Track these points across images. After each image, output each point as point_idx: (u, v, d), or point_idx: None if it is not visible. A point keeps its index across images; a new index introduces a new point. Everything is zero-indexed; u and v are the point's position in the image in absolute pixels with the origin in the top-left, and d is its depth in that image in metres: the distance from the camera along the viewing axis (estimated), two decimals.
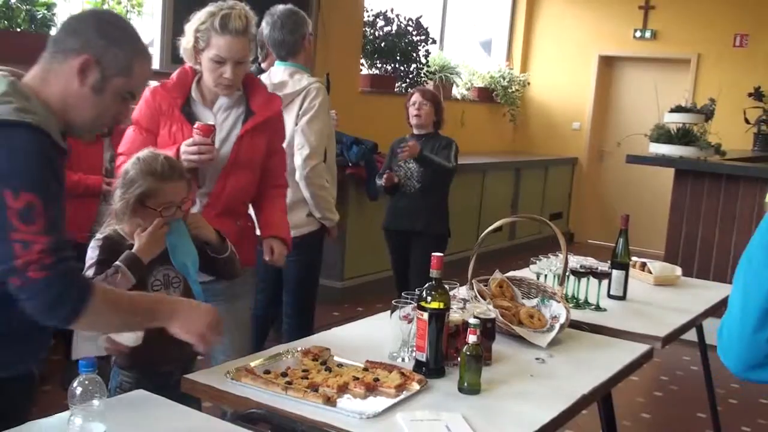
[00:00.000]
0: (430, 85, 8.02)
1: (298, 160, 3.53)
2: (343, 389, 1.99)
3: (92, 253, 2.24)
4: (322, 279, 5.84)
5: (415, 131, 4.66)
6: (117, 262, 2.18)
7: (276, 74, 3.64)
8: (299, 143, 3.53)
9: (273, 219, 2.88)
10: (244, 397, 1.95)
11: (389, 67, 7.67)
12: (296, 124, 3.52)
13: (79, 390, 1.48)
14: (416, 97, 4.64)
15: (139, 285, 2.27)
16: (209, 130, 2.55)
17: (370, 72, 7.59)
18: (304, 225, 3.66)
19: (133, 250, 2.21)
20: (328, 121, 3.66)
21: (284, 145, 2.96)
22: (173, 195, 2.25)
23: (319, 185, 3.60)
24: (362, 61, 7.46)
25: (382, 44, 7.51)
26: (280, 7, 3.72)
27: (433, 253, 2.21)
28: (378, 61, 7.59)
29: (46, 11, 4.65)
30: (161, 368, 2.27)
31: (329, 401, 1.91)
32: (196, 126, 2.54)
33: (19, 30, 4.56)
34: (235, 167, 2.69)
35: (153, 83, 2.67)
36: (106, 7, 5.03)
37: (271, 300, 3.89)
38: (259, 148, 2.74)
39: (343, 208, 5.92)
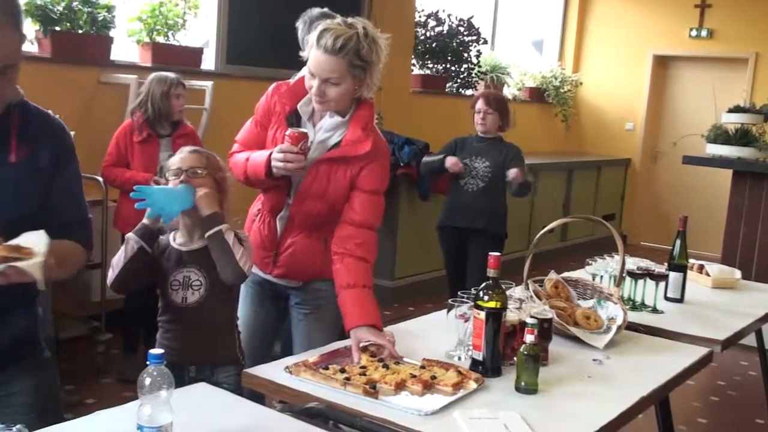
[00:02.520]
0: (481, 86, 8.01)
1: None
2: (400, 386, 2.01)
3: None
4: (373, 278, 5.91)
5: (480, 134, 4.67)
6: (128, 234, 2.35)
7: (301, 73, 3.69)
8: None
9: (354, 299, 2.48)
10: (303, 391, 1.99)
11: (440, 68, 7.67)
12: None
13: (147, 381, 1.51)
14: (480, 105, 4.62)
15: (159, 284, 2.39)
16: (299, 139, 2.39)
17: (422, 72, 7.60)
18: None
19: (145, 220, 2.34)
20: None
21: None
22: (179, 163, 2.38)
23: None
24: (413, 61, 7.47)
25: (434, 44, 7.52)
26: (316, 9, 3.79)
27: (490, 253, 2.21)
28: (429, 62, 7.60)
29: (106, 13, 4.78)
30: (176, 363, 2.33)
31: (370, 394, 1.94)
32: (287, 133, 2.43)
33: (81, 32, 4.69)
34: (308, 193, 2.53)
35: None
36: (164, 9, 5.13)
37: None
38: (336, 182, 2.51)
39: (393, 207, 5.98)
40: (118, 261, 2.35)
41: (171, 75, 4.15)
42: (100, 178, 4.15)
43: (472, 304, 2.24)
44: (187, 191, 2.32)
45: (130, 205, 4.05)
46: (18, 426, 1.27)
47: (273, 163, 2.41)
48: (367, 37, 2.38)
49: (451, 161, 4.56)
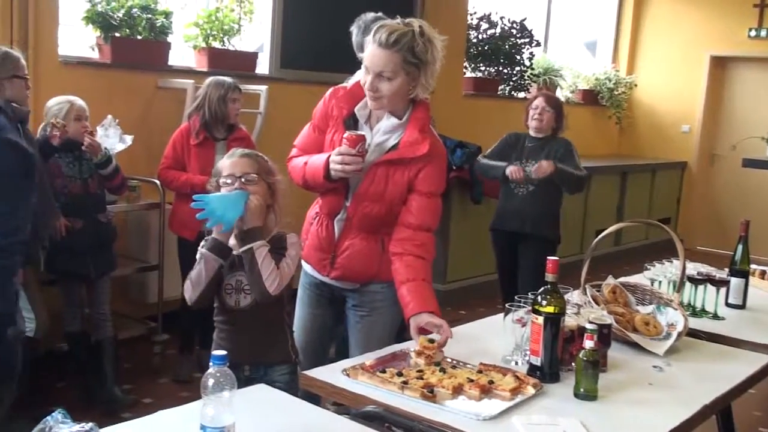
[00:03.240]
0: (533, 88, 7.95)
1: None
2: (457, 390, 2.00)
3: (198, 253, 2.43)
4: None
5: (533, 133, 4.61)
6: (200, 249, 2.37)
7: (355, 77, 3.75)
8: None
9: (413, 290, 2.49)
10: (361, 394, 1.99)
11: (492, 70, 7.63)
12: None
13: (211, 381, 1.54)
14: (539, 102, 4.58)
15: (216, 287, 2.41)
16: (356, 141, 2.41)
17: (474, 75, 7.57)
18: None
19: (214, 232, 2.35)
20: None
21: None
22: (231, 168, 2.39)
23: None
24: (465, 64, 7.44)
25: (486, 47, 7.48)
26: (370, 13, 3.80)
27: (548, 257, 2.19)
28: (481, 65, 7.57)
29: (164, 19, 4.86)
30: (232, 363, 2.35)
31: (427, 398, 1.94)
32: (345, 135, 2.45)
33: (140, 38, 4.78)
34: (366, 195, 2.55)
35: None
36: (220, 14, 5.20)
37: None
38: (394, 184, 2.52)
39: (445, 211, 5.95)
40: (198, 279, 2.36)
41: (228, 79, 4.20)
42: (158, 181, 4.23)
43: (530, 308, 2.23)
44: (240, 198, 2.33)
45: (185, 208, 4.15)
46: (91, 424, 1.30)
47: (331, 165, 2.44)
48: (423, 35, 2.39)
49: (511, 169, 4.48)
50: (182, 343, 4.37)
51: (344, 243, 2.62)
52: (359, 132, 2.48)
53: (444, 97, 6.72)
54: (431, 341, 2.25)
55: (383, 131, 2.54)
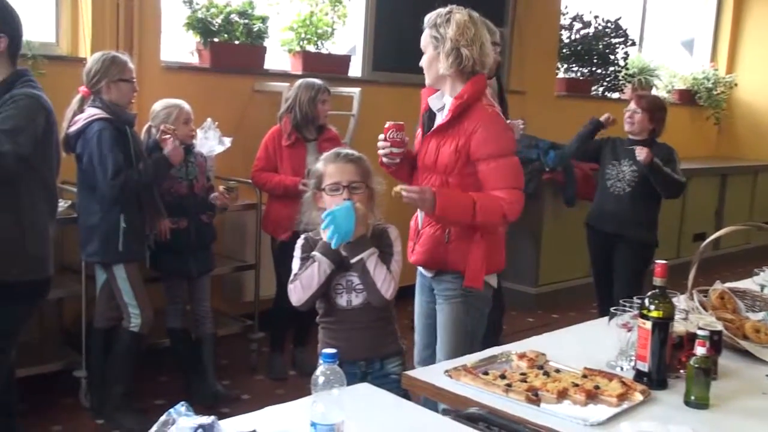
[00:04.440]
0: (628, 89, 7.77)
1: None
2: (562, 395, 1.97)
3: (296, 252, 2.52)
4: (516, 284, 5.85)
5: (630, 136, 4.50)
6: (313, 252, 2.42)
7: None
8: None
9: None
10: (464, 396, 1.99)
11: (586, 71, 7.49)
12: None
13: (321, 379, 1.56)
14: (632, 105, 4.47)
15: (324, 288, 2.44)
16: (388, 129, 2.68)
17: (566, 76, 7.45)
18: None
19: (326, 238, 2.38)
20: None
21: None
22: (338, 175, 2.42)
23: None
24: (558, 64, 7.33)
25: (579, 47, 7.35)
26: None
27: (657, 261, 2.14)
28: (574, 65, 7.44)
29: (261, 24, 4.96)
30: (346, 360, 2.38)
31: (532, 401, 1.92)
32: (387, 125, 2.70)
33: (237, 42, 4.89)
34: (423, 167, 2.76)
35: None
36: (314, 19, 5.28)
37: None
38: (444, 152, 2.68)
39: (538, 213, 5.89)
40: (309, 282, 2.40)
41: (318, 81, 4.25)
42: None
43: (636, 313, 2.17)
44: (350, 210, 2.36)
45: (279, 209, 4.24)
46: (213, 417, 1.33)
47: (379, 152, 2.72)
48: (446, 15, 2.69)
49: (603, 117, 4.51)
50: (274, 342, 4.45)
51: (423, 230, 2.78)
52: (398, 122, 2.72)
53: (536, 98, 6.67)
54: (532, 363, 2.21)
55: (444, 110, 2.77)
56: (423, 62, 2.76)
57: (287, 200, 4.17)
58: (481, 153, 2.65)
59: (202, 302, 3.98)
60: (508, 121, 4.07)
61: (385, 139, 2.68)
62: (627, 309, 2.26)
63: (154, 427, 1.32)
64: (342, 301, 2.45)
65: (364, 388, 2.03)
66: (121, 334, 3.61)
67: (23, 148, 2.45)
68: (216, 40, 4.81)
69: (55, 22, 4.32)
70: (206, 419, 1.27)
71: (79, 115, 3.45)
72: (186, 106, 3.84)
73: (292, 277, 2.46)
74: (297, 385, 4.23)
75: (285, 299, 4.26)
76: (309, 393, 3.95)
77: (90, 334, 3.75)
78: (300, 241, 2.52)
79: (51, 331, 4.20)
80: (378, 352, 2.47)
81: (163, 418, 1.33)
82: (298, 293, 2.43)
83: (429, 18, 2.73)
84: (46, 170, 2.62)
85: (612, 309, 2.27)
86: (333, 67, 5.36)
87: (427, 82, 2.79)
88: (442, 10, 2.72)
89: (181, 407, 1.34)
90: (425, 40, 2.75)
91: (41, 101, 2.54)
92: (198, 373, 3.94)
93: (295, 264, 2.49)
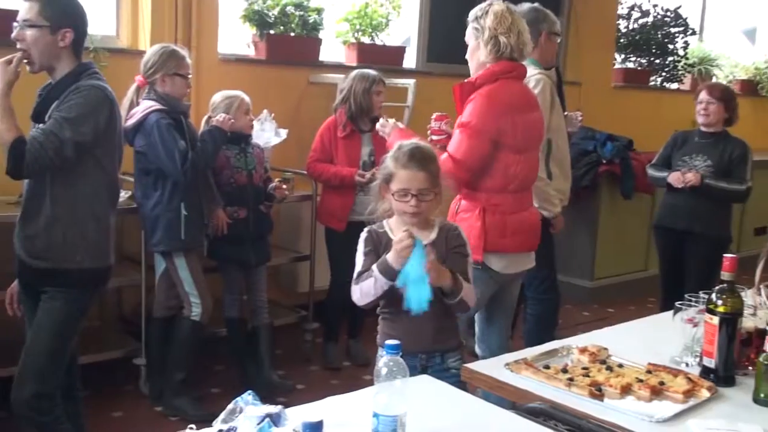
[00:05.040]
0: (687, 80, 7.60)
1: None
2: (626, 390, 1.94)
3: (360, 246, 2.46)
4: (571, 278, 5.78)
5: (703, 129, 4.37)
6: (374, 266, 2.33)
7: None
8: None
9: None
10: (525, 389, 1.97)
11: (644, 61, 7.35)
12: None
13: (384, 370, 1.55)
14: (703, 96, 4.32)
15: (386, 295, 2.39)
16: (437, 119, 3.07)
17: (624, 66, 7.32)
18: None
19: (388, 258, 2.28)
20: (546, 111, 3.60)
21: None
22: (408, 182, 2.33)
23: None
24: (615, 55, 7.21)
25: (637, 37, 7.21)
26: (526, 4, 3.79)
27: (724, 255, 2.08)
28: (632, 55, 7.30)
29: (316, 16, 4.97)
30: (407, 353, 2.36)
31: (595, 396, 1.89)
32: (433, 115, 3.00)
33: (293, 34, 4.91)
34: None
35: None
36: (369, 10, 5.27)
37: None
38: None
39: (594, 205, 5.80)
40: (368, 291, 2.35)
41: (372, 72, 4.25)
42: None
43: (701, 308, 2.12)
44: (425, 278, 2.21)
45: (334, 200, 4.25)
46: (280, 407, 1.34)
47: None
48: (488, 7, 2.90)
49: (673, 178, 4.28)
50: (328, 332, 4.47)
51: None
52: (442, 113, 3.10)
53: (593, 88, 6.56)
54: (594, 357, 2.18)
55: None
56: (467, 54, 2.98)
57: (342, 191, 4.18)
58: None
59: (259, 292, 4.01)
60: (565, 113, 4.04)
61: (429, 127, 3.00)
62: (692, 304, 2.21)
63: (222, 415, 1.32)
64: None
65: (425, 380, 2.03)
66: (181, 323, 3.66)
67: (83, 137, 2.49)
68: (272, 32, 4.83)
69: (116, 16, 4.39)
70: (273, 408, 1.28)
71: (135, 108, 3.51)
72: (245, 97, 3.87)
73: (355, 275, 2.42)
74: (351, 375, 4.25)
75: (339, 290, 4.35)
76: (363, 383, 3.99)
77: (149, 323, 3.82)
78: (363, 234, 2.47)
79: (110, 319, 4.29)
80: (439, 346, 2.42)
81: (230, 406, 1.34)
82: (357, 296, 2.41)
83: (471, 13, 2.94)
84: (108, 161, 2.66)
85: (677, 303, 2.22)
86: (388, 59, 5.35)
87: (471, 72, 2.99)
88: (482, 5, 2.93)
89: (248, 396, 1.35)
90: (468, 33, 2.97)
91: (106, 92, 2.59)
92: (254, 363, 3.98)
93: (359, 259, 2.44)
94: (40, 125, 2.53)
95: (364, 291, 2.37)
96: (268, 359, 4.00)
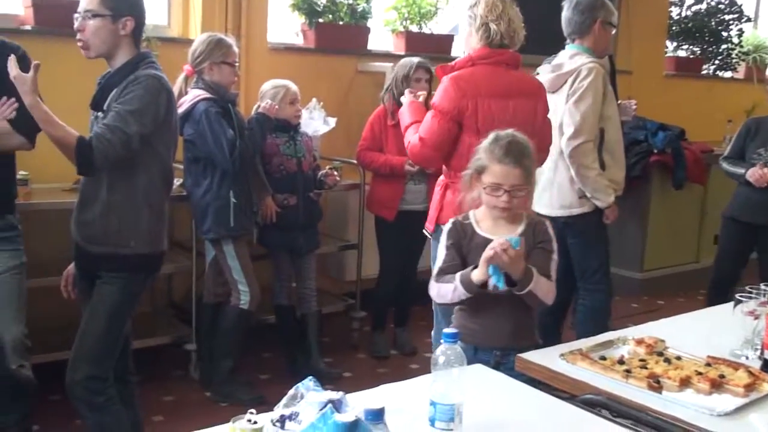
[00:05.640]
0: (741, 68, 7.43)
1: (563, 140, 3.53)
2: (685, 383, 1.90)
3: (443, 239, 2.42)
4: (620, 269, 5.69)
5: None
6: (456, 276, 2.29)
7: (560, 56, 3.72)
8: (566, 123, 3.54)
9: None
10: (581, 380, 1.94)
11: (696, 49, 7.19)
12: (566, 103, 3.54)
13: (441, 359, 1.54)
14: None
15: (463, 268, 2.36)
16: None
17: (676, 54, 7.18)
18: (576, 206, 3.60)
19: (473, 275, 2.24)
20: (598, 100, 3.54)
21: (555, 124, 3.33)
22: (501, 178, 2.28)
23: (582, 164, 3.52)
24: (667, 42, 7.07)
25: (690, 24, 7.06)
26: None
27: None
28: (684, 43, 7.15)
29: (365, 4, 4.96)
30: (481, 347, 2.33)
31: (654, 388, 1.86)
32: None
33: (341, 23, 4.91)
34: None
35: None
36: None
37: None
38: None
39: (645, 196, 5.71)
40: (445, 295, 2.34)
41: (414, 59, 4.21)
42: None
43: (763, 300, 2.07)
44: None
45: (383, 189, 4.24)
46: (341, 393, 1.34)
47: None
48: None
49: (753, 177, 4.13)
50: (375, 321, 4.47)
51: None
52: None
53: (644, 77, 6.44)
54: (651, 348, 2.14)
55: None
56: (464, 40, 3.07)
57: (392, 180, 4.18)
58: None
59: (308, 280, 4.03)
60: (619, 102, 3.96)
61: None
62: (753, 296, 2.16)
63: (283, 401, 1.33)
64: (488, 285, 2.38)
65: (479, 369, 2.01)
66: (229, 311, 3.69)
67: (147, 128, 2.54)
68: (321, 20, 4.83)
69: (167, 5, 4.44)
70: (335, 394, 1.28)
71: (183, 96, 3.54)
72: (293, 86, 3.88)
73: (436, 269, 2.39)
74: (398, 364, 4.25)
75: (387, 279, 4.36)
76: (410, 372, 4.01)
77: (199, 309, 3.86)
78: (447, 226, 2.43)
79: (161, 305, 4.35)
80: (516, 343, 2.32)
81: (291, 392, 1.34)
82: (434, 293, 2.39)
83: (467, 1, 3.01)
84: (164, 149, 2.69)
85: (737, 295, 2.17)
86: (436, 47, 5.31)
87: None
88: None
89: (309, 381, 1.35)
90: (463, 21, 3.04)
91: (163, 82, 2.61)
92: (302, 350, 4.00)
93: (440, 253, 2.41)
94: (102, 117, 2.56)
95: (441, 293, 2.35)
96: (316, 347, 4.02)
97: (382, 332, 4.46)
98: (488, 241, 2.24)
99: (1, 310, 2.72)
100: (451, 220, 2.43)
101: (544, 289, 2.26)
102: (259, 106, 3.81)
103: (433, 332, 3.22)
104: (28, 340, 2.79)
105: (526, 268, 2.22)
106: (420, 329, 4.42)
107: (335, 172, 4.03)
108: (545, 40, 3.94)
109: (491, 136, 2.35)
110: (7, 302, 2.74)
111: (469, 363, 1.77)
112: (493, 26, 2.92)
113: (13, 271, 2.75)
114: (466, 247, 2.34)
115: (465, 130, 2.93)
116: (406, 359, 4.34)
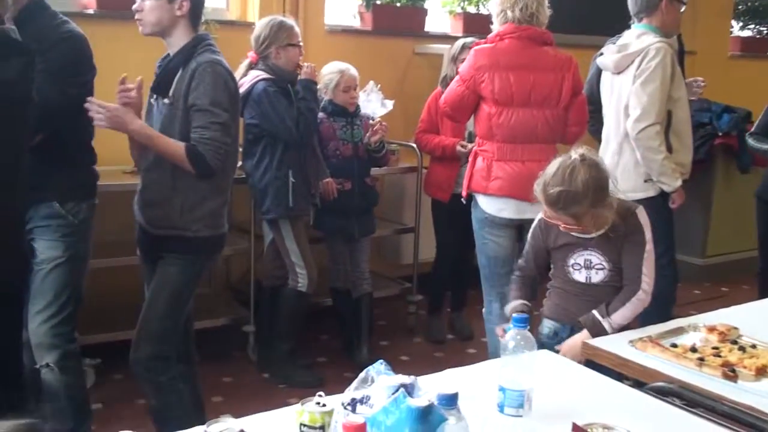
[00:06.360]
0: None
1: (629, 122, 3.43)
2: (761, 372, 1.84)
3: (529, 236, 2.55)
4: (682, 255, 5.55)
5: None
6: (506, 308, 2.46)
7: (626, 36, 3.62)
8: (632, 105, 3.43)
9: None
10: (651, 368, 1.89)
11: (763, 29, 6.97)
12: (633, 85, 3.43)
13: (511, 344, 1.51)
14: None
15: (553, 260, 2.44)
16: None
17: (741, 34, 6.96)
18: (641, 190, 3.50)
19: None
20: (666, 82, 3.43)
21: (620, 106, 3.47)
22: (553, 219, 2.34)
23: (648, 147, 3.42)
24: (733, 22, 6.86)
25: (756, 3, 6.84)
26: None
27: None
28: (751, 22, 6.93)
29: None
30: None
31: (729, 377, 1.82)
32: None
33: (398, 5, 4.87)
34: None
35: None
36: None
37: None
38: None
39: (709, 179, 5.56)
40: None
41: (463, 40, 4.16)
42: (414, 145, 4.30)
43: None
44: None
45: (440, 171, 4.20)
46: (413, 377, 1.31)
47: None
48: None
49: None
50: (432, 305, 4.45)
51: None
52: None
53: (708, 58, 6.25)
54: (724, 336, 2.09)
55: None
56: None
57: (448, 162, 4.13)
58: None
59: (361, 263, 4.01)
60: (686, 81, 3.85)
61: None
62: None
63: (354, 384, 1.31)
64: (580, 277, 2.38)
65: (548, 355, 1.97)
66: (288, 294, 3.70)
67: (230, 113, 2.59)
68: (378, 2, 4.80)
69: None
70: (407, 378, 1.26)
71: (243, 78, 3.54)
72: (350, 71, 3.86)
73: (517, 262, 2.57)
74: (455, 349, 4.22)
75: (444, 263, 4.33)
76: (467, 357, 3.98)
77: (258, 291, 3.88)
78: (534, 222, 2.52)
79: (219, 287, 4.38)
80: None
81: (361, 375, 1.33)
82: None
83: None
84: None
85: None
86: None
87: None
88: None
89: (380, 365, 1.33)
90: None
91: (224, 66, 2.62)
92: (358, 333, 4.00)
93: (526, 248, 2.56)
94: (169, 104, 2.60)
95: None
96: (366, 330, 4.00)
97: (438, 316, 4.43)
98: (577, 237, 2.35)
99: (31, 299, 2.58)
100: (538, 217, 2.47)
101: (625, 314, 2.29)
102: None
103: (484, 310, 3.28)
104: (70, 343, 2.65)
105: (592, 318, 2.28)
106: (477, 313, 4.35)
107: (380, 124, 3.93)
108: (603, 20, 3.86)
109: (540, 181, 2.30)
110: (38, 293, 2.58)
111: None
112: (508, 12, 3.27)
113: (51, 262, 2.59)
114: (553, 242, 2.42)
115: (484, 100, 3.27)
116: (463, 344, 4.30)
